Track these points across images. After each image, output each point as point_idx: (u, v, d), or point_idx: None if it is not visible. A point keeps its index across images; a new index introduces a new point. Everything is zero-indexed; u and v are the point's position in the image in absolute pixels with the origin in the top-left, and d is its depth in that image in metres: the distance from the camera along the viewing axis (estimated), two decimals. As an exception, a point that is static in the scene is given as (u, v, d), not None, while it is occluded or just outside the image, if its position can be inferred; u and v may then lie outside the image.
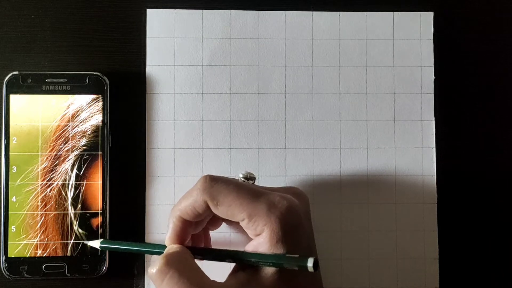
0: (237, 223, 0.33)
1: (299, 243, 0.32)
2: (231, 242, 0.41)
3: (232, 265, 0.34)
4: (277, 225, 0.32)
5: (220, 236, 0.41)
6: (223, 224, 0.40)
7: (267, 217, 0.32)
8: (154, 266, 0.32)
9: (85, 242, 0.40)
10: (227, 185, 0.33)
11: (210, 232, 0.39)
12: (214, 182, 0.33)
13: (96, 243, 0.38)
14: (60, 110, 0.41)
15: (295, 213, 0.33)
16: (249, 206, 0.32)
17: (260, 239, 0.32)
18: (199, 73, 0.43)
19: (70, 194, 0.40)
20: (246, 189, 0.33)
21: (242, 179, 0.36)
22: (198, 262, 0.34)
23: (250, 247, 0.33)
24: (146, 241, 0.41)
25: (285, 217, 0.32)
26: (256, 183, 0.37)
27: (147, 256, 0.41)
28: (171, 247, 0.34)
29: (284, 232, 0.32)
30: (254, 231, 0.33)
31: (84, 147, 0.41)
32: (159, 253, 0.34)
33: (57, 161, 0.40)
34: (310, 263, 0.31)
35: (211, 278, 0.32)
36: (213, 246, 0.40)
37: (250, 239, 0.34)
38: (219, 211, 0.33)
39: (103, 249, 0.39)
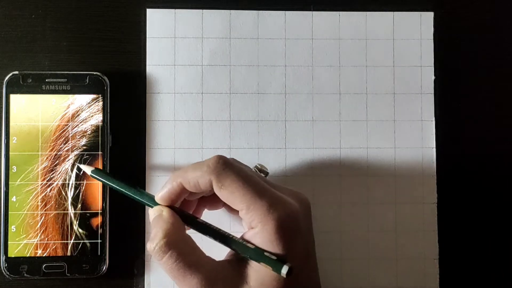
0: (237, 212, 0.34)
1: (294, 247, 0.32)
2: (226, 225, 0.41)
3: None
4: (272, 225, 0.32)
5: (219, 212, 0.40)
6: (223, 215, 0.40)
7: (263, 216, 0.32)
8: (154, 241, 0.33)
9: (78, 164, 0.40)
10: (237, 173, 0.33)
11: (207, 211, 0.39)
12: (225, 166, 0.33)
13: (88, 169, 0.39)
14: (60, 110, 0.41)
15: (293, 217, 0.33)
16: (251, 200, 0.32)
17: (252, 232, 0.33)
18: (199, 73, 0.43)
19: (70, 194, 0.40)
20: (254, 183, 0.33)
21: (255, 170, 0.36)
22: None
23: (245, 236, 0.34)
24: (146, 239, 0.41)
25: (282, 220, 0.32)
26: None
27: (147, 255, 0.41)
28: (161, 213, 0.34)
29: (277, 235, 0.32)
30: (249, 224, 0.33)
31: (84, 147, 0.41)
32: (146, 204, 0.36)
33: (57, 161, 0.40)
34: (284, 270, 0.31)
35: (206, 248, 0.34)
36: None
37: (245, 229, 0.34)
38: (221, 193, 0.33)
39: (93, 177, 0.38)
